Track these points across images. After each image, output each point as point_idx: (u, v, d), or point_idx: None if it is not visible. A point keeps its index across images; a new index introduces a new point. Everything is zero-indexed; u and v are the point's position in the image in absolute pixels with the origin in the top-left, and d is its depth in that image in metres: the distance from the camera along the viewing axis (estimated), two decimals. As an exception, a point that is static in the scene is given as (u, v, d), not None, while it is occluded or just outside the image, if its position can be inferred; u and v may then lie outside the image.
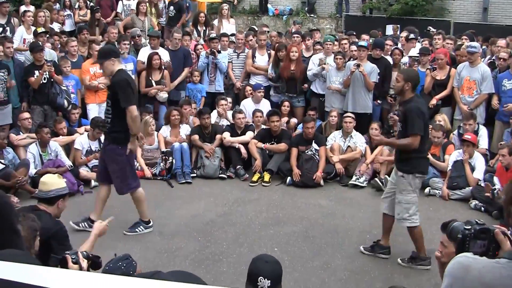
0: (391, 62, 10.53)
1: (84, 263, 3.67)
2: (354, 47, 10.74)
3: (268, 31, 13.15)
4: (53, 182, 4.85)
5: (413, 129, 6.00)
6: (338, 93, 10.22)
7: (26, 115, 9.31)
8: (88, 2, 14.62)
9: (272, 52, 11.19)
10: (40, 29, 10.64)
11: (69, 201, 7.68)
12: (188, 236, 7.09)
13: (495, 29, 15.42)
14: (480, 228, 3.07)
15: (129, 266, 3.51)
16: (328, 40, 11.06)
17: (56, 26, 12.48)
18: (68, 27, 13.47)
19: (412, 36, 11.78)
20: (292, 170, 9.16)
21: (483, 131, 9.32)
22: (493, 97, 9.55)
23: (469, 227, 3.09)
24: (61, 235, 4.68)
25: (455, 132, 9.46)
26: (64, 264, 3.63)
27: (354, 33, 13.27)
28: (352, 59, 10.55)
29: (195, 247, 6.75)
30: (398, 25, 15.74)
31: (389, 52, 10.90)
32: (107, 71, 6.86)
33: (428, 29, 14.28)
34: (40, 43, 10.04)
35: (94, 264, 3.83)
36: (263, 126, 9.95)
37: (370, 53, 10.27)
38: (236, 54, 11.48)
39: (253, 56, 11.26)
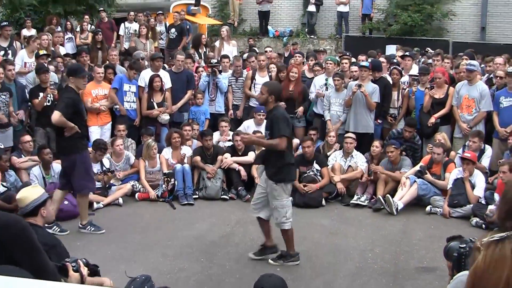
0: (391, 82, 10.59)
1: (85, 270, 3.68)
2: (354, 68, 10.80)
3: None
4: (27, 196, 4.63)
5: (280, 131, 6.42)
6: (339, 113, 10.31)
7: (28, 138, 9.37)
8: (89, 25, 14.78)
9: (273, 74, 11.23)
10: (42, 52, 10.73)
11: (73, 222, 7.84)
12: (190, 257, 7.09)
13: (493, 48, 15.56)
14: None
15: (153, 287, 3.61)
16: (329, 59, 11.12)
17: (61, 50, 12.58)
18: (70, 49, 13.54)
19: (406, 53, 11.81)
20: (293, 191, 9.14)
21: (489, 151, 9.28)
22: (493, 116, 9.55)
23: (464, 245, 3.15)
24: (60, 251, 4.61)
25: (460, 151, 9.33)
26: (64, 272, 3.61)
27: (348, 53, 12.99)
28: (352, 79, 10.62)
29: (198, 268, 6.75)
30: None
31: (388, 72, 10.96)
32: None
33: (426, 50, 14.41)
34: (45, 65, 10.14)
35: (93, 272, 3.85)
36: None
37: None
38: (235, 78, 11.52)
39: (253, 78, 11.26)
